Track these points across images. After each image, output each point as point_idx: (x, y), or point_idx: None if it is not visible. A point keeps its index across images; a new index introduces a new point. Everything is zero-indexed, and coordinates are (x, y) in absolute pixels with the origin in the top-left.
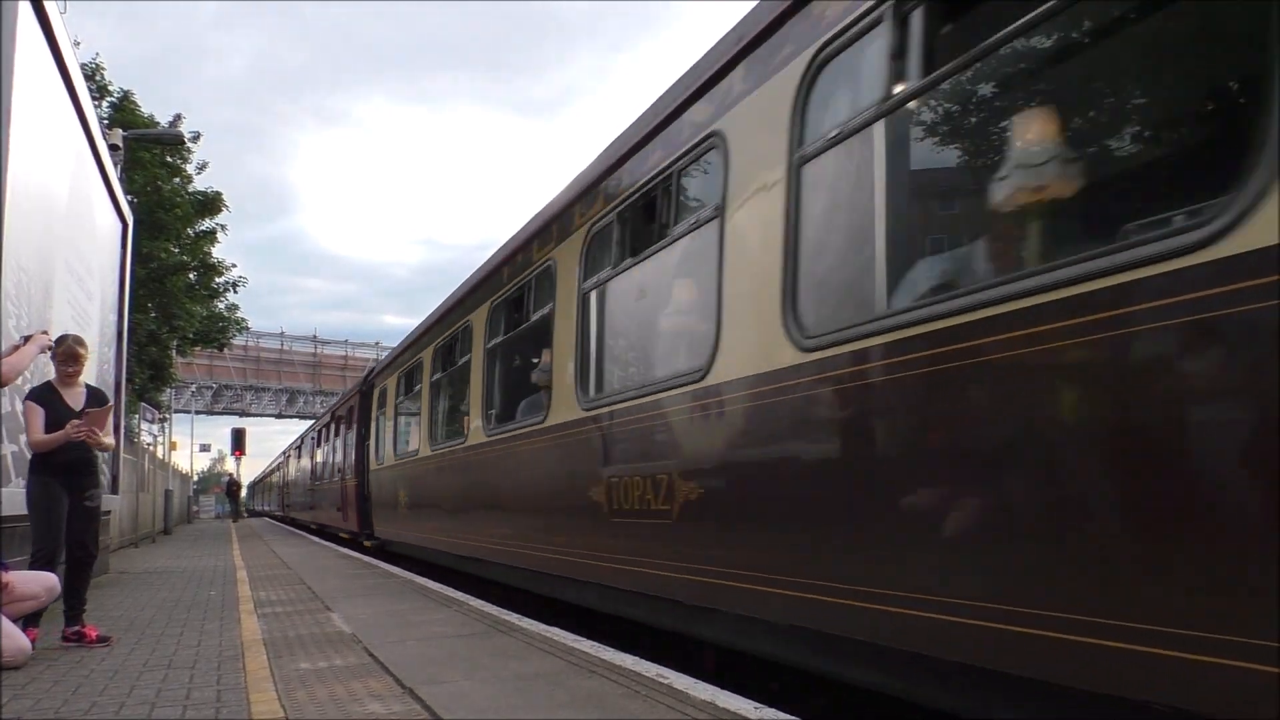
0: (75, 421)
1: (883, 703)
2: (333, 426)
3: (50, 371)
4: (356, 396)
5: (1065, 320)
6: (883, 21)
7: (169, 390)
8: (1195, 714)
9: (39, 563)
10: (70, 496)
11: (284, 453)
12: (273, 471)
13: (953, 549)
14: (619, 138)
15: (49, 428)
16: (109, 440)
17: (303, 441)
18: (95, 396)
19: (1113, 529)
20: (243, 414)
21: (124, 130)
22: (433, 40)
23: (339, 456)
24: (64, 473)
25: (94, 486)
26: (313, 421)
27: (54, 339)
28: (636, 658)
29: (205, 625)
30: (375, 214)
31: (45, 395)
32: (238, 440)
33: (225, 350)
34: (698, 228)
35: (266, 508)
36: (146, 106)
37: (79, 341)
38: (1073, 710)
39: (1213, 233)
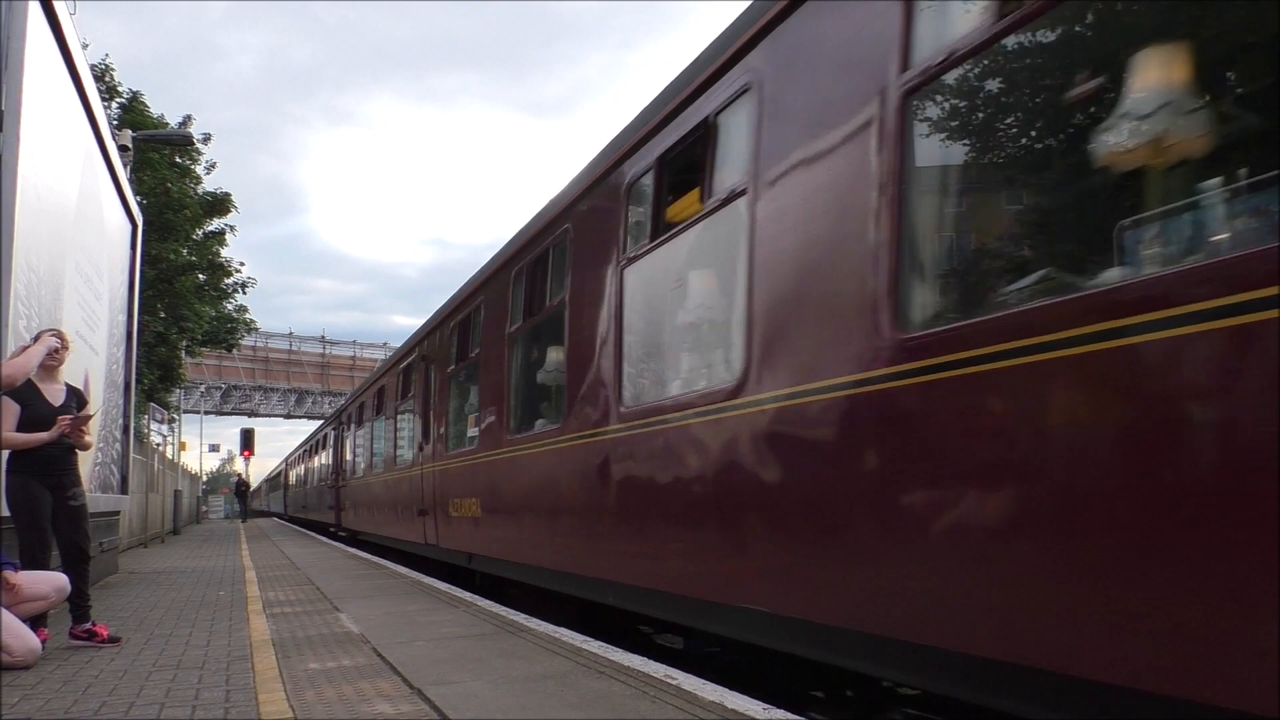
0: (64, 418)
1: (887, 703)
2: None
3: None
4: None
5: None
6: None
7: (178, 391)
8: None
9: (30, 564)
10: (53, 496)
11: (325, 424)
12: (304, 456)
13: None
14: None
15: (25, 425)
16: (90, 439)
17: (392, 371)
18: (74, 396)
19: None
20: (251, 414)
21: (133, 131)
22: (442, 39)
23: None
24: (42, 471)
25: (75, 485)
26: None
27: (61, 338)
28: (645, 658)
29: (214, 625)
30: (384, 214)
31: (22, 391)
32: (246, 440)
33: (234, 351)
34: None
35: (273, 508)
36: (155, 107)
37: (58, 337)
38: None
39: None
